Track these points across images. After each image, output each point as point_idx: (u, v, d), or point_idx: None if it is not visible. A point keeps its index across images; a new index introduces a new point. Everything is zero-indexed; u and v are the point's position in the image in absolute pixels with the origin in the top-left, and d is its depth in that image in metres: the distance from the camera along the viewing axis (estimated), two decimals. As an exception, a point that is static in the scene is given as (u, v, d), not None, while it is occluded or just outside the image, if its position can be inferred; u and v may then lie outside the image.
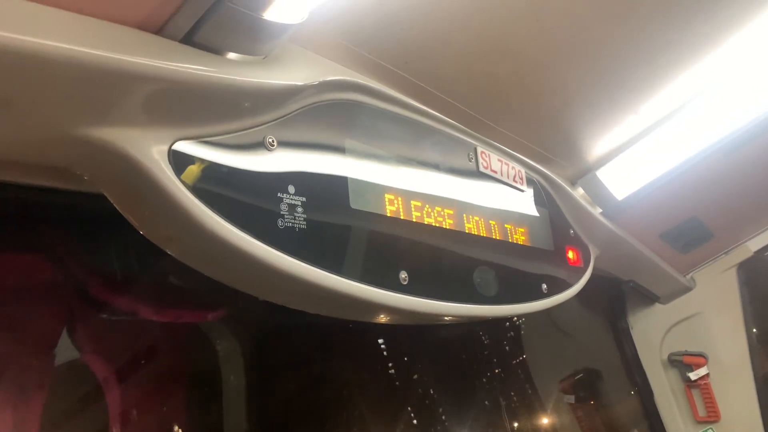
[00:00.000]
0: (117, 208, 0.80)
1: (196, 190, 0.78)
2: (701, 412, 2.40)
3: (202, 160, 0.81)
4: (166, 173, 0.75)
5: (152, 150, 0.75)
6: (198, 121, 0.82)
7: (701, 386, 2.40)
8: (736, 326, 2.41)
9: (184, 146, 0.79)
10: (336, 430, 2.51)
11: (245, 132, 0.88)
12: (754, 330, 2.43)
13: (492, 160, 1.53)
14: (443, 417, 3.11)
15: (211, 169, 0.82)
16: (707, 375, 2.39)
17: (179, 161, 0.78)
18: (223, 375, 2.04)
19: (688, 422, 2.42)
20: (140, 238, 0.86)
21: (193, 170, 0.79)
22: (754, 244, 2.39)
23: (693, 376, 2.39)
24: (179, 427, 1.83)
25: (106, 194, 0.79)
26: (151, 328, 1.63)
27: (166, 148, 0.76)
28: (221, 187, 0.82)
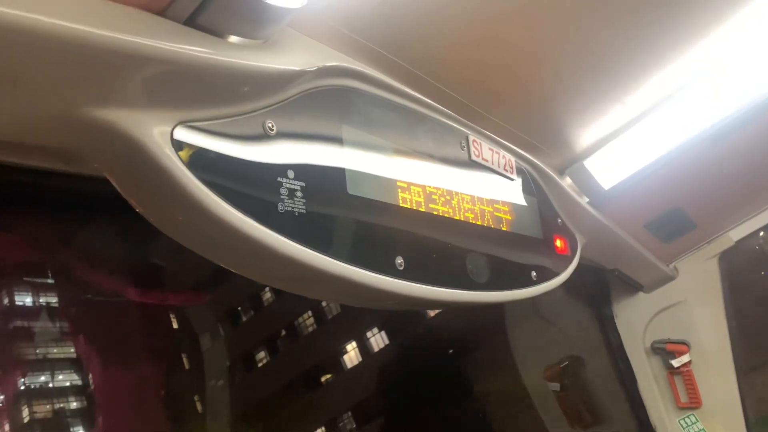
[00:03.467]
0: (120, 191, 0.79)
1: (198, 172, 0.78)
2: (683, 398, 2.44)
3: (204, 143, 0.80)
4: (168, 155, 0.75)
5: (155, 132, 0.74)
6: (199, 105, 0.82)
7: (683, 373, 2.44)
8: (718, 315, 2.45)
9: (186, 129, 0.79)
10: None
11: (245, 116, 0.88)
12: (734, 318, 2.48)
13: (483, 148, 1.54)
14: (425, 403, 3.14)
15: (213, 152, 0.82)
16: (689, 362, 2.43)
17: (181, 144, 0.77)
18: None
19: (670, 408, 2.46)
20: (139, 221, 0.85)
21: (195, 153, 0.79)
22: (735, 234, 2.42)
23: (675, 363, 2.43)
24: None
25: (109, 177, 0.79)
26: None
27: (168, 130, 0.76)
28: (223, 171, 0.82)
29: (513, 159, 1.66)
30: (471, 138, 1.50)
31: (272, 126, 0.91)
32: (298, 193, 0.94)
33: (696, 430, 2.41)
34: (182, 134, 0.78)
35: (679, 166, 2.02)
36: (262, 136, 0.90)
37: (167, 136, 0.76)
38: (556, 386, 2.73)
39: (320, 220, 0.97)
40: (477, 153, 1.51)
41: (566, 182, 1.96)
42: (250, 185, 0.86)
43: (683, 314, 2.50)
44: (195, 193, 0.77)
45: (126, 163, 0.76)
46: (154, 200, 0.81)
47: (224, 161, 0.83)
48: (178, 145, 0.77)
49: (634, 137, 1.92)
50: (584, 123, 1.84)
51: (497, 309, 2.77)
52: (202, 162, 0.80)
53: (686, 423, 2.43)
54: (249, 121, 0.88)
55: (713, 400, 2.41)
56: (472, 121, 1.52)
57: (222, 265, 0.91)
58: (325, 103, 1.04)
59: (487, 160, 1.54)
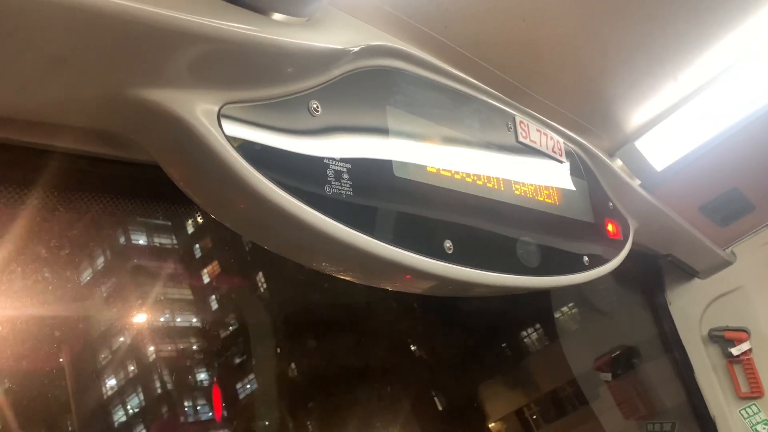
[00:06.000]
0: (168, 174, 0.79)
1: (246, 153, 0.77)
2: (744, 387, 2.34)
3: (250, 124, 0.79)
4: (216, 136, 0.74)
5: (202, 112, 0.73)
6: (244, 85, 0.80)
7: (743, 361, 2.34)
8: (780, 300, 2.34)
9: (233, 109, 0.77)
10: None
11: (290, 97, 0.86)
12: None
13: (531, 130, 1.50)
14: (477, 395, 3.11)
15: (260, 133, 0.80)
16: (750, 350, 2.33)
17: (228, 124, 0.76)
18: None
19: (730, 398, 2.37)
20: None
21: (242, 134, 0.78)
22: (798, 216, 2.31)
23: (735, 351, 2.33)
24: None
25: (156, 159, 0.78)
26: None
27: (215, 110, 0.75)
28: (270, 152, 0.81)
29: (561, 141, 1.61)
30: (518, 119, 1.46)
31: (317, 107, 0.89)
32: (345, 176, 0.92)
33: (759, 420, 2.31)
34: (229, 114, 0.77)
35: (736, 144, 1.93)
36: (307, 117, 0.88)
37: (214, 117, 0.75)
38: (607, 376, 2.65)
39: (367, 203, 0.95)
40: (524, 134, 1.46)
41: (617, 164, 1.90)
42: (297, 167, 0.84)
43: (742, 300, 2.39)
44: (244, 174, 0.76)
45: (174, 146, 0.75)
46: (202, 183, 0.80)
47: (271, 142, 0.82)
48: (225, 125, 0.76)
49: (688, 115, 1.85)
50: (635, 101, 1.78)
51: (544, 297, 2.71)
52: (249, 143, 0.78)
53: (748, 413, 2.33)
54: (294, 102, 0.87)
55: (776, 389, 2.30)
56: (519, 102, 1.47)
57: (271, 250, 0.90)
58: (370, 83, 1.02)
59: (534, 142, 1.50)
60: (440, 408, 3.19)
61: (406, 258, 0.99)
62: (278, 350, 2.69)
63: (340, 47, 0.93)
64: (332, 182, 0.89)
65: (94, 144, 0.80)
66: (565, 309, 2.93)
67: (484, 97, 1.36)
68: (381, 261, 0.95)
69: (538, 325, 3.21)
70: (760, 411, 2.32)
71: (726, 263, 2.42)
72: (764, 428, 2.31)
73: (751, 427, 2.32)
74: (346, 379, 2.71)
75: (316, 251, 0.93)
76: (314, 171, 0.87)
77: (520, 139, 1.45)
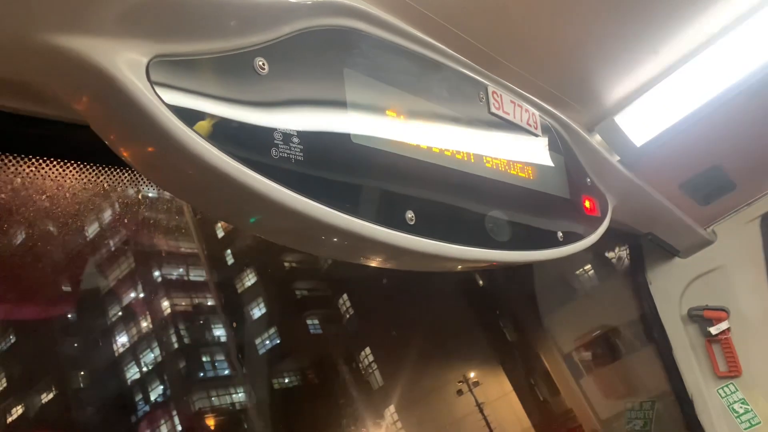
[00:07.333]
0: (96, 131, 0.73)
1: (179, 111, 0.71)
2: (722, 367, 2.33)
3: (185, 79, 0.73)
4: (142, 90, 0.68)
5: (128, 63, 0.67)
6: (180, 37, 0.74)
7: (722, 341, 2.33)
8: (759, 280, 2.32)
9: (165, 63, 0.72)
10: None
11: (233, 53, 0.81)
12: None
13: (504, 101, 1.45)
14: (454, 377, 3.10)
15: (195, 90, 0.74)
16: (728, 329, 2.32)
17: (158, 78, 0.70)
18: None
19: (708, 377, 2.36)
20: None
21: (174, 89, 0.72)
22: (779, 195, 2.28)
23: (714, 330, 2.32)
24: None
25: (79, 113, 0.72)
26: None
27: (144, 62, 0.69)
28: (207, 111, 0.75)
29: (537, 114, 1.56)
30: (490, 89, 1.40)
31: (263, 64, 0.84)
32: (295, 139, 0.86)
33: (735, 399, 2.30)
34: (160, 68, 0.71)
35: (718, 121, 1.89)
36: (252, 75, 0.82)
37: (142, 69, 0.69)
38: (588, 356, 2.64)
39: (321, 169, 0.90)
40: (497, 106, 1.41)
41: (596, 139, 1.86)
42: (238, 126, 0.79)
43: (722, 280, 2.37)
44: (175, 133, 0.70)
45: (98, 100, 0.69)
46: (131, 142, 0.74)
47: (208, 100, 0.76)
48: (154, 80, 0.70)
49: (668, 90, 1.81)
50: (614, 75, 1.73)
51: (525, 276, 2.68)
52: (182, 100, 0.72)
53: (725, 392, 2.32)
54: (237, 58, 0.81)
55: (754, 368, 2.29)
56: (493, 71, 1.42)
57: (215, 217, 0.85)
58: (325, 44, 0.96)
59: (508, 114, 1.45)
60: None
61: (362, 228, 0.94)
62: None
63: (291, 0, 0.87)
64: (280, 145, 0.84)
65: (20, 101, 0.74)
66: (546, 288, 2.90)
67: (454, 65, 1.31)
68: (335, 231, 0.90)
69: (519, 301, 3.19)
70: (737, 390, 2.31)
71: (707, 242, 2.40)
72: (741, 407, 2.30)
73: (728, 406, 2.31)
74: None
75: (265, 220, 0.87)
76: (258, 132, 0.81)
77: (493, 110, 1.40)
